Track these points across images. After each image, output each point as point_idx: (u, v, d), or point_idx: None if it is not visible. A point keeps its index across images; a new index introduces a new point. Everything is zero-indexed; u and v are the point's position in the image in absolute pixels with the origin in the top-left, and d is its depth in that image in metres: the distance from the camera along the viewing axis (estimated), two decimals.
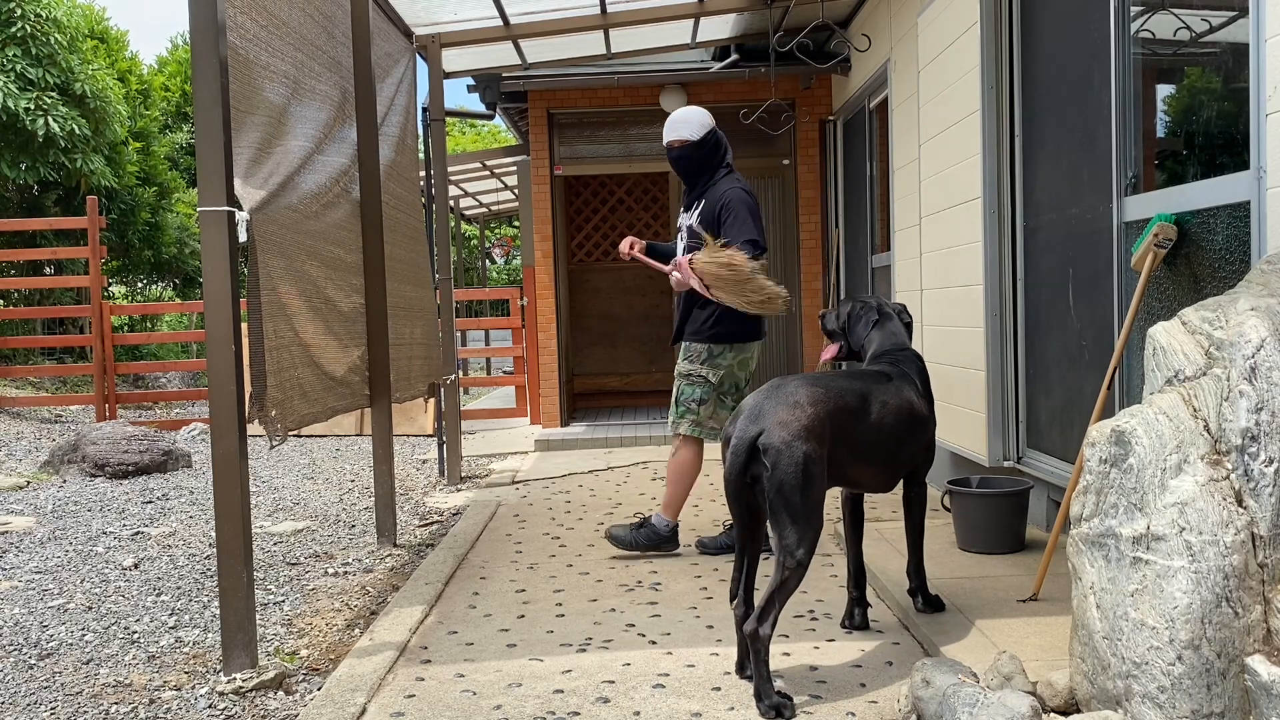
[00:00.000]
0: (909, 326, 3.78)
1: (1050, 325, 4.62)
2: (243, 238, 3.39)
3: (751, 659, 2.93)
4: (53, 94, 11.18)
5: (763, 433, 2.98)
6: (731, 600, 3.08)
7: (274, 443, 3.69)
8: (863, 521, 3.66)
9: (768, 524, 2.99)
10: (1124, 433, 2.44)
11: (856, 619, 3.64)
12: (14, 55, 10.93)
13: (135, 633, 3.82)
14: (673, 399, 4.74)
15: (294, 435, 9.42)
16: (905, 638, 3.52)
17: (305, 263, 4.07)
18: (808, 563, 2.91)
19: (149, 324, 15.59)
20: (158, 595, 4.31)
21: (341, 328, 4.47)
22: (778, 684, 3.04)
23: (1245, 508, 2.28)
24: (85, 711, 3.10)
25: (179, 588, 4.42)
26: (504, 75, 8.26)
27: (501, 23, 6.86)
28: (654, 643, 3.54)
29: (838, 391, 3.16)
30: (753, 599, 3.03)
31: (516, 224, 23.05)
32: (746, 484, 3.03)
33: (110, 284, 15.05)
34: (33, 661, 3.53)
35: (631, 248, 4.85)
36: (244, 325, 3.60)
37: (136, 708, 3.12)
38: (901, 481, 3.53)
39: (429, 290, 6.15)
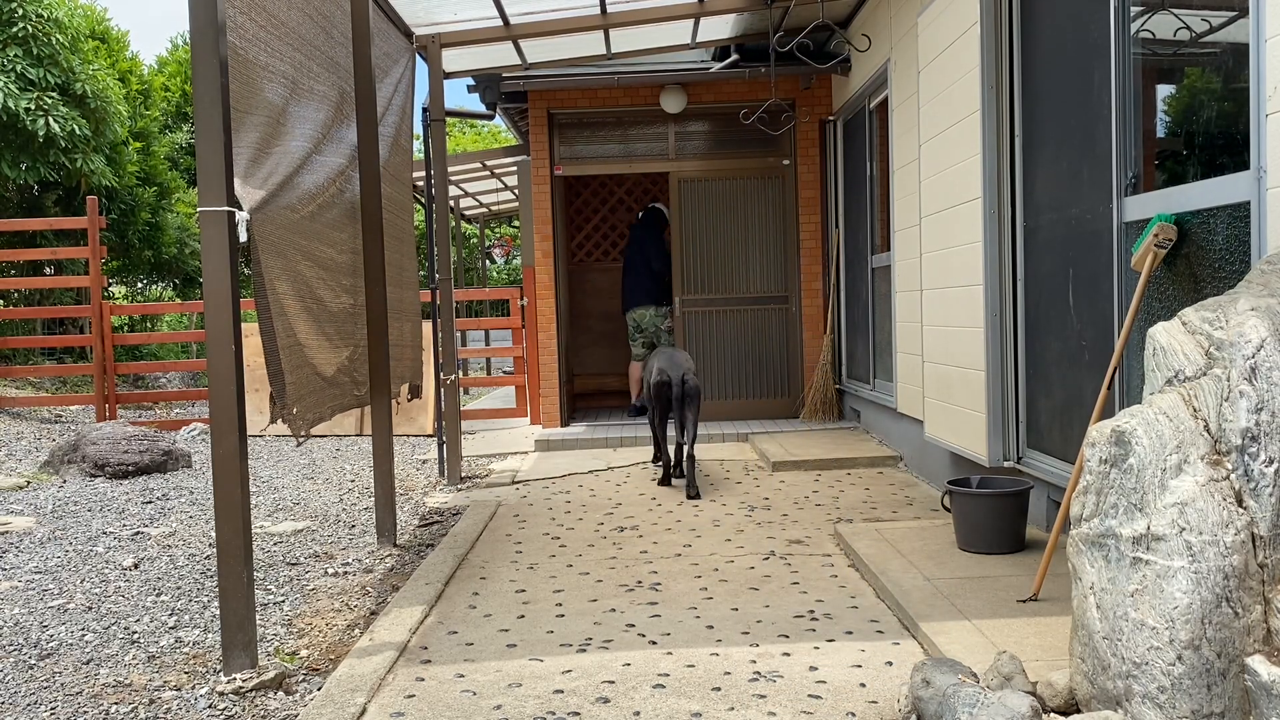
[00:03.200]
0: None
1: (1050, 325, 4.62)
2: (243, 238, 3.39)
3: (690, 469, 6.16)
4: (53, 94, 11.17)
5: (685, 373, 6.26)
6: (666, 462, 6.62)
7: (299, 440, 3.71)
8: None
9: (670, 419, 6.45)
10: (1124, 433, 2.44)
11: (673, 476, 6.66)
12: (15, 55, 10.92)
13: (135, 633, 3.82)
14: None
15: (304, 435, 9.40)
16: (905, 638, 3.52)
17: (299, 263, 4.07)
18: None
19: (149, 324, 15.58)
20: (158, 595, 4.31)
21: (331, 328, 4.47)
22: (779, 683, 3.10)
23: (1245, 508, 2.28)
24: (85, 711, 3.10)
25: (179, 588, 4.42)
26: (504, 75, 8.25)
27: (501, 23, 6.86)
28: (654, 643, 3.54)
29: (686, 354, 6.63)
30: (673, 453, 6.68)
31: (516, 224, 23.04)
32: (674, 399, 6.23)
33: (110, 284, 15.04)
34: (33, 661, 3.53)
35: None
36: (244, 325, 3.61)
37: (136, 708, 3.12)
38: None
39: (413, 291, 6.14)
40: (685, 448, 6.20)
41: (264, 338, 3.59)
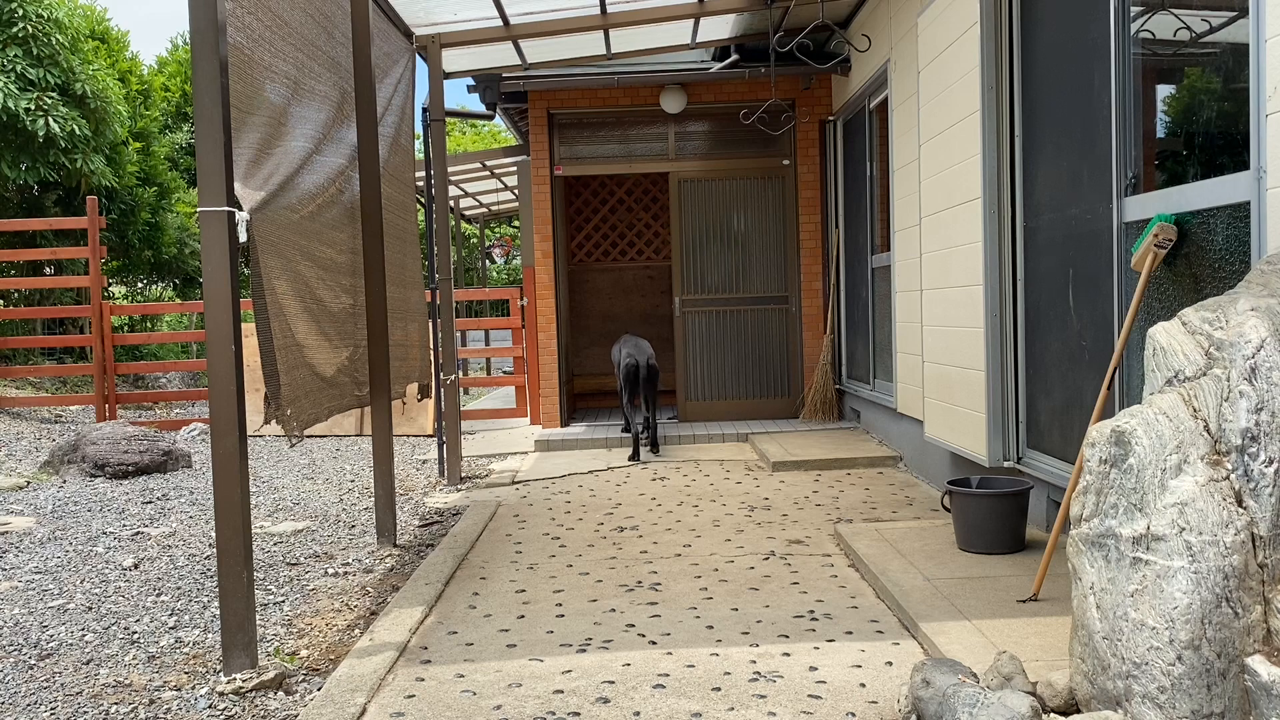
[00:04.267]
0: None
1: (1050, 325, 4.62)
2: (243, 238, 3.40)
3: (653, 435, 7.73)
4: (53, 94, 11.17)
5: (650, 357, 7.73)
6: (635, 435, 7.66)
7: (293, 441, 3.72)
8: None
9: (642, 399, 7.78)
10: (1124, 433, 2.44)
11: (643, 448, 7.90)
12: (15, 55, 10.92)
13: (135, 633, 3.82)
14: None
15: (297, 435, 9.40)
16: (905, 638, 3.52)
17: (299, 263, 4.07)
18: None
19: (149, 324, 15.58)
20: (158, 595, 4.31)
21: (331, 328, 4.47)
22: (779, 683, 3.10)
23: (1245, 508, 2.28)
24: (85, 711, 3.10)
25: (179, 588, 4.42)
26: (504, 75, 8.26)
27: (501, 23, 6.86)
28: (654, 643, 3.54)
29: (647, 341, 8.00)
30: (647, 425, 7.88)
31: (516, 224, 23.03)
32: (641, 380, 7.63)
33: (110, 284, 15.03)
34: (33, 662, 3.53)
35: None
36: (244, 325, 3.61)
37: (136, 708, 3.12)
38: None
39: (416, 291, 6.14)
40: (649, 417, 7.74)
41: (260, 338, 3.59)
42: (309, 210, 4.21)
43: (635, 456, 7.53)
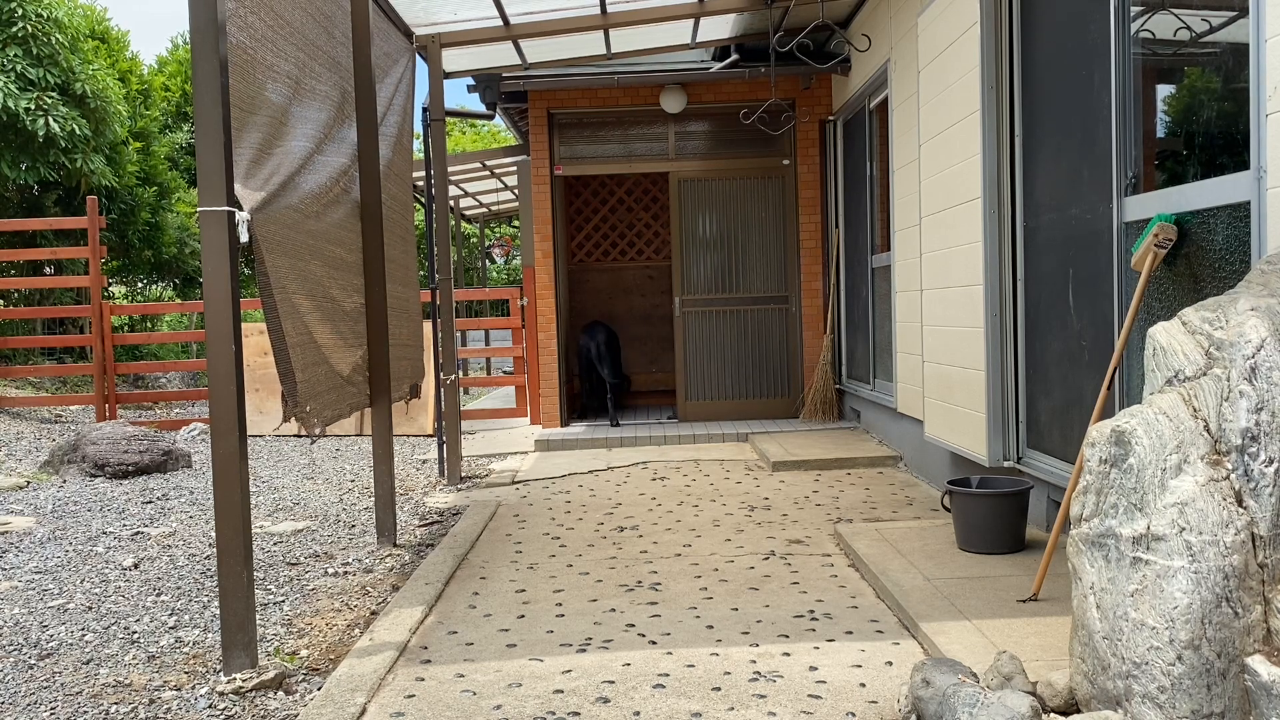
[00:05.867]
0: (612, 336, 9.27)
1: (1050, 325, 4.62)
2: (244, 238, 3.39)
3: (614, 404, 9.02)
4: (53, 94, 11.17)
5: (600, 341, 9.04)
6: (612, 410, 9.06)
7: (314, 437, 3.72)
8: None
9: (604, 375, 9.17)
10: (1124, 433, 2.44)
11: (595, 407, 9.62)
12: (15, 55, 10.92)
13: (135, 633, 3.82)
14: None
15: (295, 435, 9.41)
16: (905, 638, 3.52)
17: (309, 262, 4.07)
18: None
19: (149, 324, 15.57)
20: (158, 595, 4.31)
21: (346, 327, 4.48)
22: (779, 683, 3.10)
23: (1245, 508, 2.28)
24: (85, 711, 3.10)
25: (179, 588, 4.42)
26: (504, 75, 8.26)
27: (501, 23, 6.86)
28: (654, 643, 3.54)
29: (607, 327, 9.21)
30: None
31: (516, 224, 23.03)
32: (591, 359, 9.15)
33: (110, 284, 15.03)
34: (33, 661, 3.53)
35: None
36: (244, 325, 3.61)
37: (136, 708, 3.12)
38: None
39: (415, 291, 6.15)
40: (607, 383, 8.99)
41: (272, 337, 3.59)
42: (314, 210, 4.21)
43: (614, 423, 8.92)
